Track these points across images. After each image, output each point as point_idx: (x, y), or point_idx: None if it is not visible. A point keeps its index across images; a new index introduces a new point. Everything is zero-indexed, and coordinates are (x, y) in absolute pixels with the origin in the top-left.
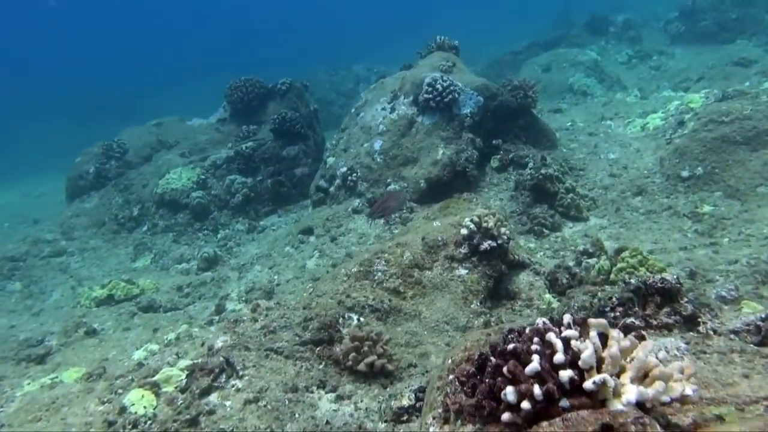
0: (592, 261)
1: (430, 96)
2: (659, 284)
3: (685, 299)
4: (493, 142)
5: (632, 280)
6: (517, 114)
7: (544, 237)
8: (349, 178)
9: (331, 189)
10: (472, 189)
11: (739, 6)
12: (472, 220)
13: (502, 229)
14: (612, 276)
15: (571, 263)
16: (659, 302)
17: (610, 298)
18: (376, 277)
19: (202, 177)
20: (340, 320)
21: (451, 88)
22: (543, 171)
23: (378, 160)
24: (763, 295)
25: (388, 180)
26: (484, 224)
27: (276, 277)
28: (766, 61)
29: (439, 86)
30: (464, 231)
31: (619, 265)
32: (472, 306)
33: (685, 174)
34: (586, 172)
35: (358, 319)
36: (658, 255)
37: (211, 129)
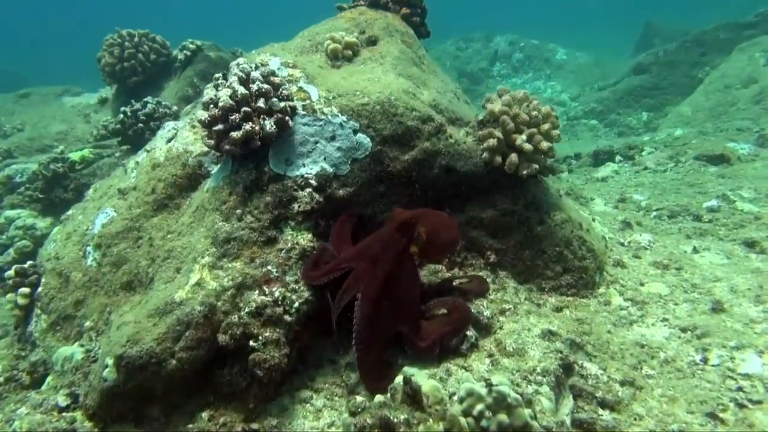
0: None
1: (207, 115)
2: None
3: None
4: None
5: None
6: (485, 190)
7: None
8: (23, 294)
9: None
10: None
11: None
12: None
13: None
14: None
15: None
16: None
17: None
18: None
19: None
20: None
21: (274, 98)
22: None
23: (90, 260)
24: None
25: (87, 324)
26: None
27: None
28: None
29: (229, 93)
30: None
31: None
32: None
33: None
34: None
35: None
36: None
37: (80, 114)
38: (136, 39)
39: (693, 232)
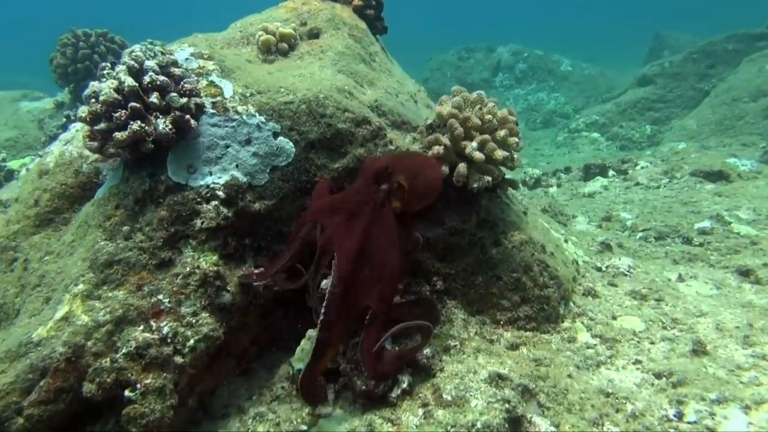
0: None
1: (88, 111)
2: None
3: None
4: None
5: None
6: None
7: None
8: None
9: None
10: None
11: None
12: None
13: None
14: None
15: None
16: None
17: None
18: None
19: None
20: None
21: (173, 93)
22: None
23: None
24: None
25: None
26: None
27: None
28: None
29: (113, 85)
30: None
31: None
32: None
33: None
34: None
35: None
36: None
37: (34, 120)
38: (92, 39)
39: (681, 256)
